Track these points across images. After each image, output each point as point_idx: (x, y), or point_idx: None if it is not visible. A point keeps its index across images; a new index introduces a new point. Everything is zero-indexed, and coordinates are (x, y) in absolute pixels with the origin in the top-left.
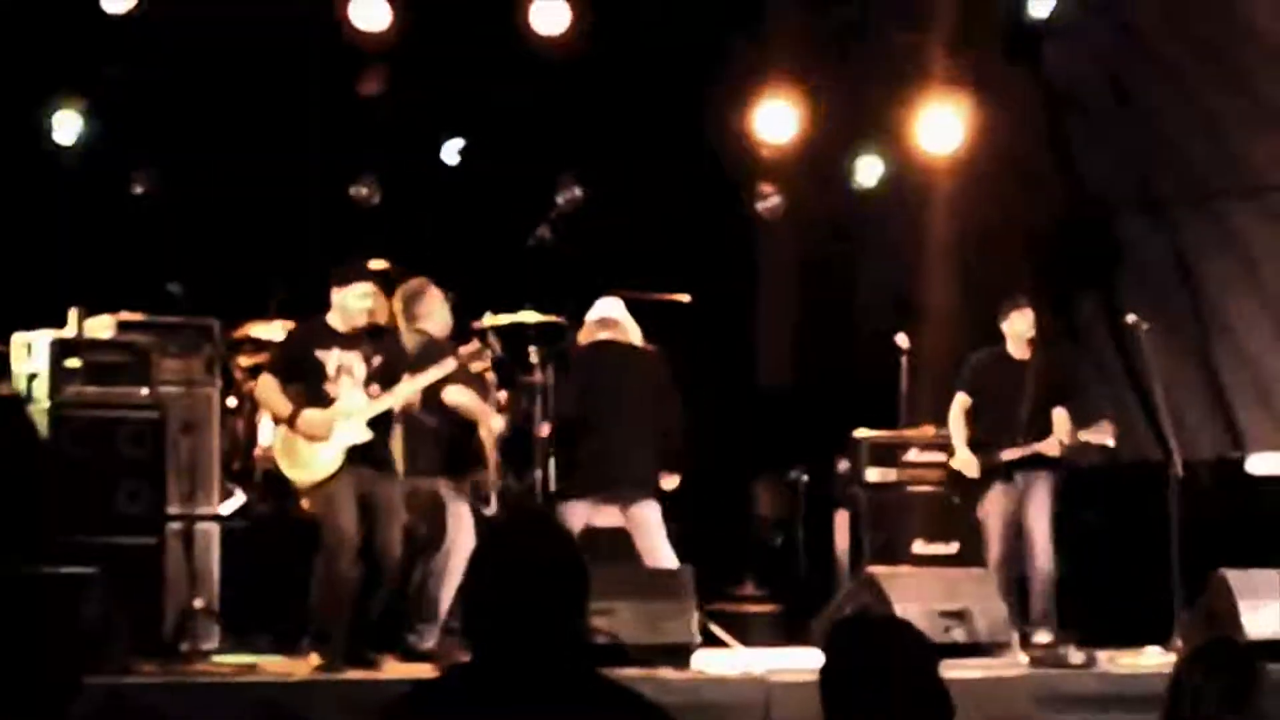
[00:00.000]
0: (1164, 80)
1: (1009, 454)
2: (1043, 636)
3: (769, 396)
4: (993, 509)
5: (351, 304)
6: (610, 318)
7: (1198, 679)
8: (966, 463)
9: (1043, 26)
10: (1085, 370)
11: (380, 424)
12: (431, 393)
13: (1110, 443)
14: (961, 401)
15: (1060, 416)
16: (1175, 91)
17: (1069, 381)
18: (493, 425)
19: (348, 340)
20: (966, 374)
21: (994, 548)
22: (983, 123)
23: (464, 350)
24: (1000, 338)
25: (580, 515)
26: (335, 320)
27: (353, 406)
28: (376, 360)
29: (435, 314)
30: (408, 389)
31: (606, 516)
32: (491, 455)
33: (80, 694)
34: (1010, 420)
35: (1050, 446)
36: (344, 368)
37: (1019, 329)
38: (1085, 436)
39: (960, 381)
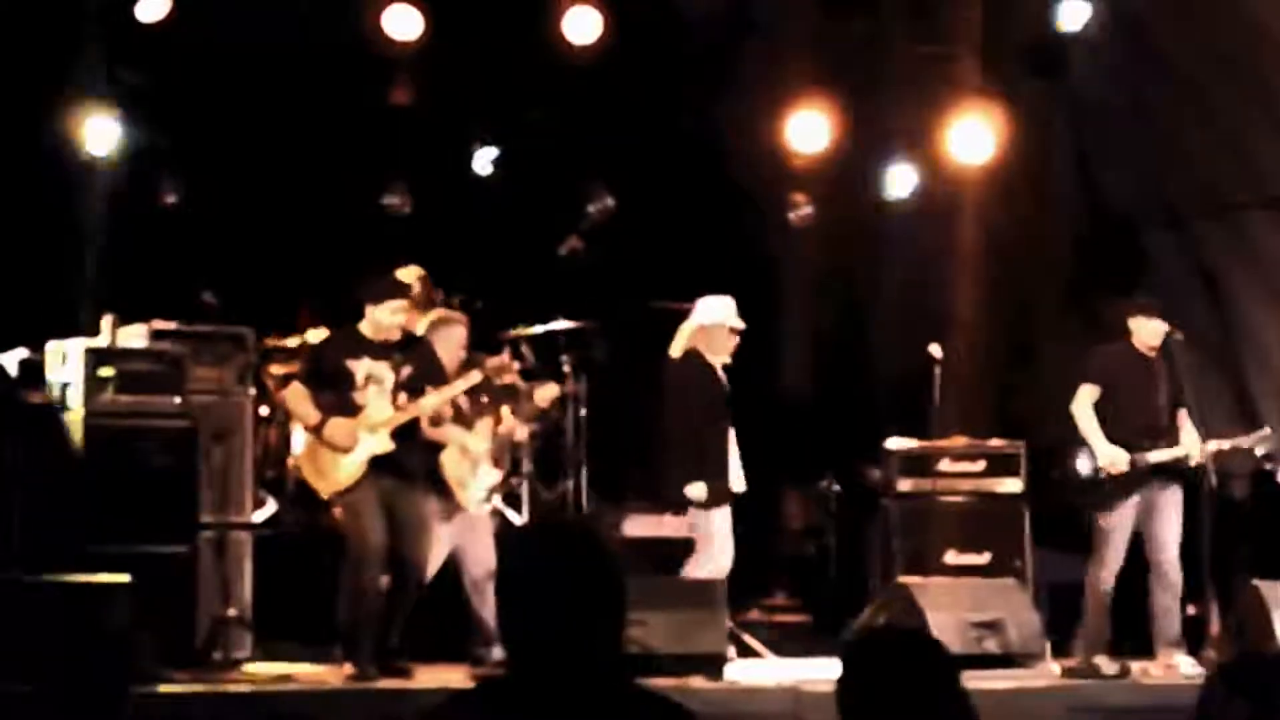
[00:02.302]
0: (1185, 94)
1: (1156, 456)
2: (1179, 657)
3: (798, 406)
4: (1122, 521)
5: (384, 319)
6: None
7: (1225, 695)
8: (1113, 457)
9: (1067, 41)
10: None
11: (404, 435)
12: None
13: (1269, 449)
14: (1090, 392)
15: (1186, 421)
16: (1196, 105)
17: (1185, 385)
18: (469, 445)
19: (379, 350)
20: (1096, 365)
21: (1112, 561)
22: (1008, 135)
23: (491, 363)
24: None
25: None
26: (368, 329)
27: (378, 417)
28: (406, 371)
29: (447, 346)
30: (434, 400)
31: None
32: (453, 476)
33: (128, 702)
34: (1151, 418)
35: (1204, 453)
36: (373, 377)
37: (1149, 330)
38: (1247, 443)
39: (1089, 372)
